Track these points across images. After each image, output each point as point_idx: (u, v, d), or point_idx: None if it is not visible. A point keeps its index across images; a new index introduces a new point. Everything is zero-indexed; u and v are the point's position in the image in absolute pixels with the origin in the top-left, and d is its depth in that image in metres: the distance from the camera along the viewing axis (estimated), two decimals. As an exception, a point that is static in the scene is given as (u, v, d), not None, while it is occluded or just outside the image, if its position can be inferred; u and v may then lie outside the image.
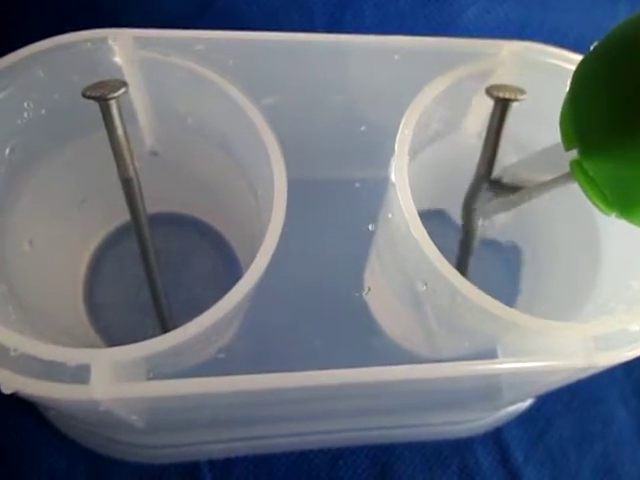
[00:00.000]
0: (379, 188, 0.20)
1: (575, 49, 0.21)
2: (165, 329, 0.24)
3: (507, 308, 0.18)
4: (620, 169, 0.14)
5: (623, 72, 0.14)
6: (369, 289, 0.21)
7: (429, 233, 0.19)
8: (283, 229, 0.18)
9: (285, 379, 0.17)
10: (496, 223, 0.28)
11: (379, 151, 0.20)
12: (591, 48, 0.15)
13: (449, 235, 0.24)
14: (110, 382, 0.16)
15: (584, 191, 0.16)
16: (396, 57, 0.21)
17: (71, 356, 0.16)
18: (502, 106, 0.21)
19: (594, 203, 0.16)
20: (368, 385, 0.18)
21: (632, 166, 0.14)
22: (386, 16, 0.29)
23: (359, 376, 0.17)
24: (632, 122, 0.13)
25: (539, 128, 0.21)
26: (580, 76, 0.15)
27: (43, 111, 0.20)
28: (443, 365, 0.18)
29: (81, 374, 0.16)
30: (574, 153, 0.15)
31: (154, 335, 0.16)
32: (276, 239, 0.18)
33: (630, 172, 0.14)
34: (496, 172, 0.22)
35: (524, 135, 0.23)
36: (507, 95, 0.21)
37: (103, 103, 0.19)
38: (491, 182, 0.22)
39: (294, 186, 0.19)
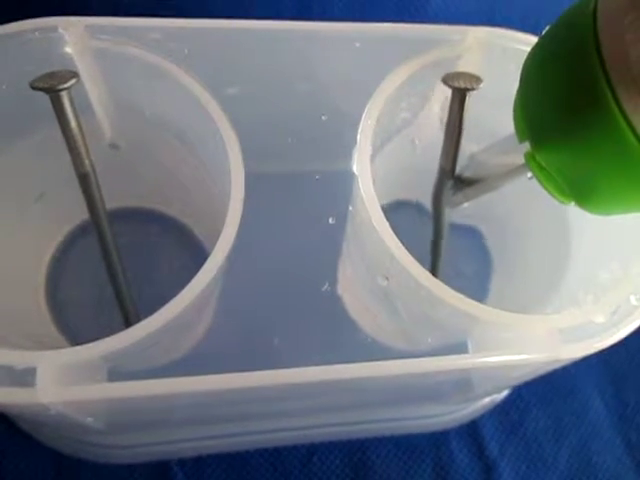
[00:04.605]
0: (340, 180, 0.20)
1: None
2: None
3: (470, 301, 0.17)
4: (571, 160, 0.14)
5: (567, 61, 0.13)
6: (328, 284, 0.21)
7: (405, 224, 0.18)
8: (244, 222, 0.18)
9: (254, 378, 0.16)
10: (467, 211, 0.28)
11: (341, 142, 0.19)
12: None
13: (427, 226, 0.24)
14: (57, 385, 0.15)
15: (539, 182, 0.15)
16: (357, 44, 0.21)
17: (16, 359, 0.15)
18: (460, 96, 0.21)
19: (550, 193, 0.15)
20: (341, 382, 0.17)
21: (582, 156, 0.14)
22: (355, 3, 0.28)
23: (331, 374, 0.17)
24: (579, 113, 0.13)
25: (506, 115, 0.21)
26: (527, 68, 0.15)
27: (-9, 103, 0.19)
28: (408, 361, 0.17)
29: (28, 377, 0.15)
30: (528, 145, 0.15)
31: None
32: (234, 231, 0.18)
33: (580, 162, 0.14)
34: (461, 162, 0.22)
35: (490, 123, 0.22)
36: (464, 84, 0.20)
37: (53, 95, 0.18)
38: (455, 173, 0.22)
39: (254, 179, 0.18)
